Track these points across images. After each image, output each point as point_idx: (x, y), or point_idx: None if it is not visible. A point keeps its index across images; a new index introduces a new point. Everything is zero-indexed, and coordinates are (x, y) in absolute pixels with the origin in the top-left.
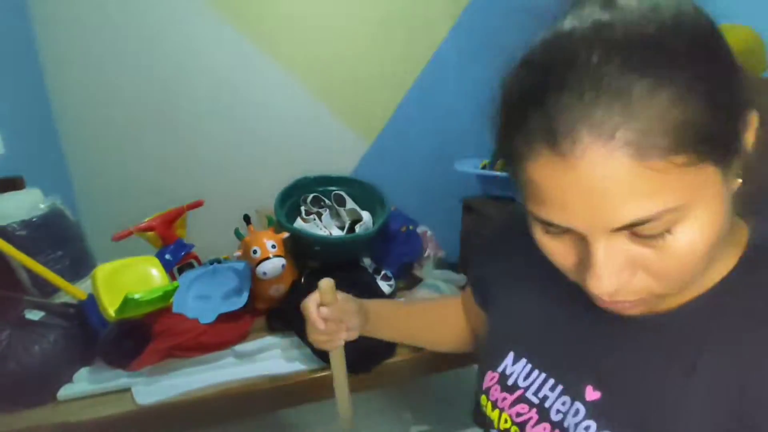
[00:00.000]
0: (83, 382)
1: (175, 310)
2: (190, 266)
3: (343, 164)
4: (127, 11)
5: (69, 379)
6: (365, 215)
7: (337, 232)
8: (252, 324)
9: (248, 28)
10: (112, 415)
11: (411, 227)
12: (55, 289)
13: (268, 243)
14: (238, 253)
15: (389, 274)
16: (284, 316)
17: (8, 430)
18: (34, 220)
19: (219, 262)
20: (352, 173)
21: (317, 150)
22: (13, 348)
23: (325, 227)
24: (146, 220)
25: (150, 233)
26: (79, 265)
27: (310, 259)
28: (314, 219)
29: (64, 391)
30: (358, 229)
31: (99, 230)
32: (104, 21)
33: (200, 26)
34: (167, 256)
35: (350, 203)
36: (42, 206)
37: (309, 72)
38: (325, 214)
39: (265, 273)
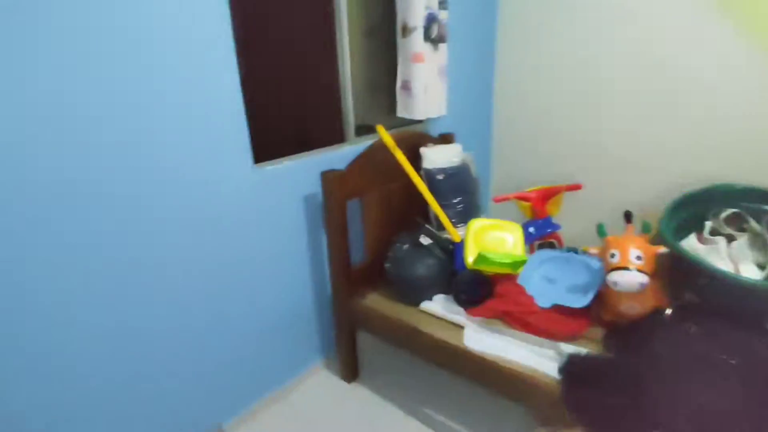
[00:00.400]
0: (437, 305)
1: (519, 281)
2: (551, 245)
3: None
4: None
5: (429, 297)
6: None
7: (749, 270)
8: (586, 329)
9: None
10: (444, 340)
11: None
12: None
13: (633, 252)
14: (595, 250)
15: None
16: (624, 340)
17: (382, 314)
18: (448, 170)
19: (576, 252)
20: None
21: None
22: (407, 258)
23: (730, 258)
24: (528, 190)
25: (526, 203)
26: (469, 213)
27: (690, 291)
28: (717, 243)
29: (424, 305)
30: None
31: (498, 188)
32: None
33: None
34: (531, 229)
35: None
36: (455, 160)
37: None
38: (742, 240)
39: (615, 283)
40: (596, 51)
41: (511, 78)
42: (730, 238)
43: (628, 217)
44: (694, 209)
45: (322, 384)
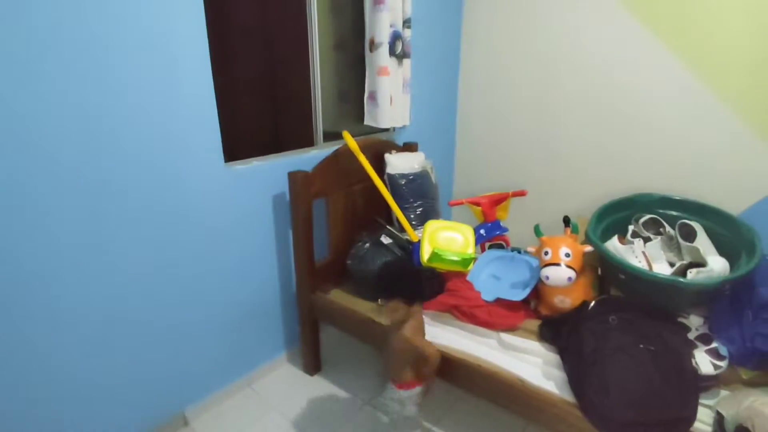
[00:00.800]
0: None
1: (468, 277)
2: (499, 247)
3: (743, 191)
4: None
5: None
6: (716, 262)
7: (661, 268)
8: (523, 321)
9: (652, 21)
10: None
11: None
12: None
13: (563, 249)
14: (532, 249)
15: (723, 351)
16: (556, 330)
17: (343, 307)
18: (410, 175)
19: (520, 252)
20: (754, 206)
21: (706, 165)
22: (368, 256)
23: (646, 257)
24: (479, 196)
25: (478, 208)
26: (429, 216)
27: (614, 287)
28: (634, 243)
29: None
30: (692, 274)
31: (461, 193)
32: (519, 19)
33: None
34: (482, 231)
35: (702, 241)
36: (417, 167)
37: (719, 70)
38: (655, 242)
39: (547, 278)
40: (549, 68)
41: (474, 92)
42: (648, 240)
43: (566, 221)
44: (619, 214)
45: (285, 375)
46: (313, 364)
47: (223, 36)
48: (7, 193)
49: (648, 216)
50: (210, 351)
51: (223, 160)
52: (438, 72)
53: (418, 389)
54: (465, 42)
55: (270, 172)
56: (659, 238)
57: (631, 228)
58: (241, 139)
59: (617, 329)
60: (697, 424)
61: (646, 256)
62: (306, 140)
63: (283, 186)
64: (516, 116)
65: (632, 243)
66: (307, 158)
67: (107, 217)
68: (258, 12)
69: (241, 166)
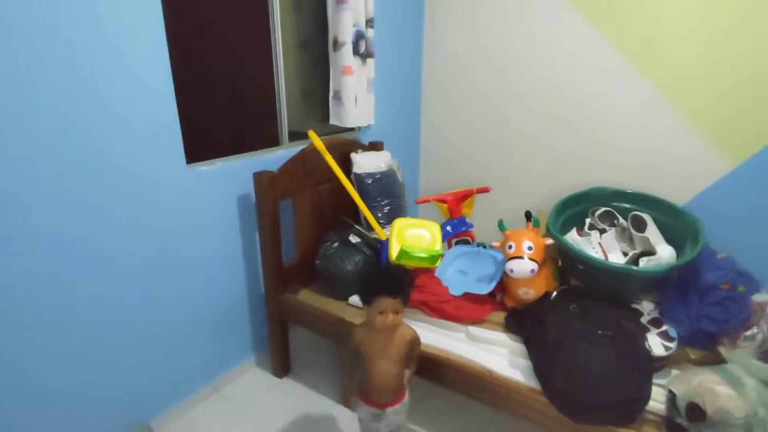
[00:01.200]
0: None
1: (436, 274)
2: (466, 242)
3: (687, 184)
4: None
5: (356, 292)
6: (664, 250)
7: (615, 258)
8: (490, 313)
9: (602, 24)
10: None
11: (742, 288)
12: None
13: (525, 243)
14: (496, 243)
15: (672, 333)
16: (520, 321)
17: (312, 307)
18: (376, 174)
19: (485, 247)
20: (696, 197)
21: (654, 160)
22: (336, 256)
23: (602, 248)
24: (445, 193)
25: (443, 205)
26: (396, 214)
27: (573, 277)
28: (590, 234)
29: (352, 299)
30: (644, 262)
31: (427, 191)
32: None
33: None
34: (448, 228)
35: (652, 231)
36: (383, 165)
37: (664, 72)
38: (610, 233)
39: (512, 270)
40: (509, 68)
41: (437, 91)
42: (603, 232)
43: (528, 215)
44: (577, 208)
45: (253, 379)
46: (282, 366)
47: (181, 34)
48: None
49: (603, 209)
50: (175, 357)
51: (184, 161)
52: (401, 71)
53: (407, 397)
54: (427, 42)
55: (235, 173)
56: (614, 229)
57: (587, 221)
58: (205, 140)
59: (578, 317)
60: (651, 403)
61: (603, 246)
62: (271, 140)
63: (248, 186)
64: (478, 115)
65: (589, 235)
66: (272, 158)
67: (66, 222)
68: (215, 10)
69: (204, 167)
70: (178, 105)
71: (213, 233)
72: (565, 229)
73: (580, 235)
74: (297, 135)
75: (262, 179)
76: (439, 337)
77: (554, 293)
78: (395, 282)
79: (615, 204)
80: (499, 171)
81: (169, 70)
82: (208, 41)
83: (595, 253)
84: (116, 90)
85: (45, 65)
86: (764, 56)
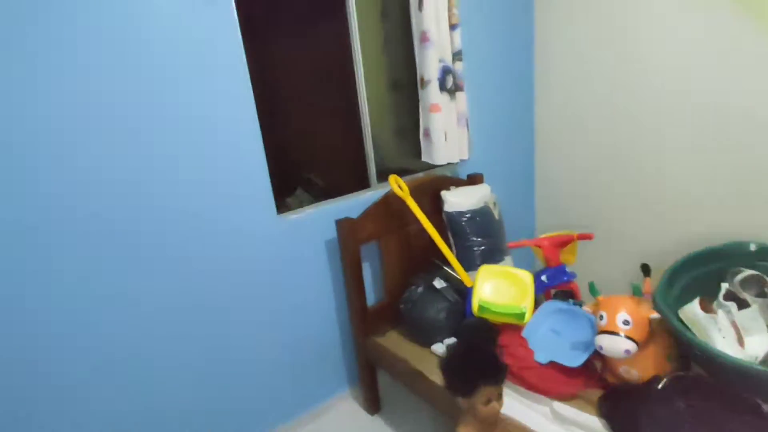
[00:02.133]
0: (444, 348)
1: (524, 332)
2: (568, 295)
3: None
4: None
5: (441, 340)
6: None
7: (757, 344)
8: (582, 389)
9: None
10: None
11: None
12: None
13: (621, 315)
14: (589, 309)
15: None
16: (614, 405)
17: (392, 353)
18: (469, 211)
19: (581, 306)
20: None
21: None
22: (420, 302)
23: (736, 329)
24: (540, 237)
25: (539, 249)
26: (492, 255)
27: (694, 362)
28: (723, 308)
29: (434, 347)
30: None
31: (544, 229)
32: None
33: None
34: (543, 277)
35: None
36: (476, 203)
37: None
38: (753, 308)
39: (601, 348)
40: (637, 95)
41: (552, 115)
42: (744, 306)
43: (646, 270)
44: (706, 268)
45: (347, 413)
46: (373, 404)
47: (270, 94)
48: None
49: (748, 272)
50: (275, 389)
51: (275, 212)
52: (505, 99)
53: None
54: (539, 64)
55: (321, 219)
56: (759, 301)
57: (724, 286)
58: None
59: (686, 421)
60: None
61: (737, 327)
62: (362, 181)
63: (335, 231)
64: (604, 137)
65: (723, 306)
66: (361, 201)
67: (174, 277)
68: (305, 67)
69: (294, 216)
70: (268, 164)
71: (303, 276)
72: (687, 297)
73: (705, 309)
74: (393, 172)
75: (344, 226)
76: (519, 407)
77: (664, 380)
78: (493, 365)
79: (762, 264)
80: (619, 211)
81: (258, 131)
82: (293, 98)
83: (723, 337)
84: (215, 156)
85: (167, 139)
86: None
